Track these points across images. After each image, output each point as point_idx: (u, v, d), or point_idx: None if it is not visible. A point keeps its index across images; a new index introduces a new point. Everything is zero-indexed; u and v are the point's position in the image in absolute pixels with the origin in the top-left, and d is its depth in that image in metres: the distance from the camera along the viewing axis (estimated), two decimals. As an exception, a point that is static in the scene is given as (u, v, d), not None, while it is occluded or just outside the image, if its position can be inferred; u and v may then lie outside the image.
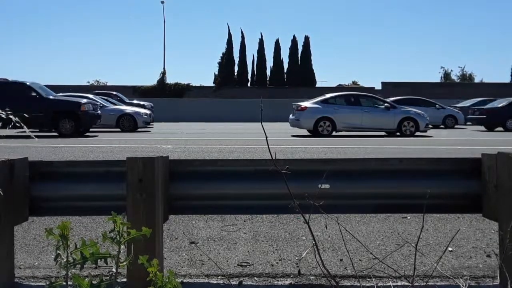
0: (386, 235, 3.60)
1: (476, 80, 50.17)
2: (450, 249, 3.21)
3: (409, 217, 4.02)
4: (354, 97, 15.97)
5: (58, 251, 1.33)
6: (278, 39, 44.01)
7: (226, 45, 44.02)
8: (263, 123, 1.90)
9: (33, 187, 2.58)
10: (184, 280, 2.67)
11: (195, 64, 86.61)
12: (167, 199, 2.55)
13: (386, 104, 15.51)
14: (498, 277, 2.31)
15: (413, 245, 2.14)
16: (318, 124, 14.84)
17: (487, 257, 3.08)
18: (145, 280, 1.47)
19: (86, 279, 1.35)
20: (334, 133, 14.96)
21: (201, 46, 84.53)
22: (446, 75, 51.93)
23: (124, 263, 1.41)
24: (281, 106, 27.91)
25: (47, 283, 1.43)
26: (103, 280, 1.37)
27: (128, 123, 17.43)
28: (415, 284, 2.49)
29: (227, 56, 43.66)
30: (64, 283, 1.35)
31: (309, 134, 15.34)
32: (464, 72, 51.78)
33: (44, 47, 79.64)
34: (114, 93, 24.27)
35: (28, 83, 14.54)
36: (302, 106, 15.18)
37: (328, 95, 15.90)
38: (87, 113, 14.27)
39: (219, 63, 44.01)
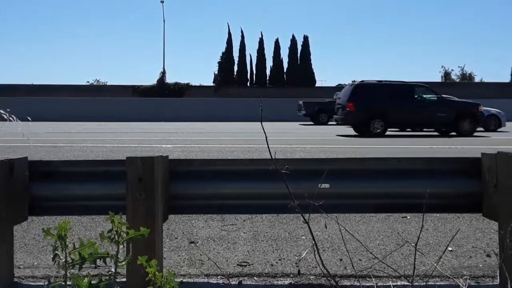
0: (386, 234, 3.60)
1: (476, 79, 50.16)
2: (450, 248, 3.20)
3: (409, 217, 4.02)
4: None
5: (56, 252, 1.33)
6: (277, 38, 44.04)
7: (226, 45, 44.01)
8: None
9: (33, 187, 2.57)
10: (184, 280, 2.66)
11: (195, 64, 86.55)
12: (166, 199, 2.55)
13: None
14: (498, 277, 2.31)
15: (413, 244, 2.13)
16: None
17: (487, 257, 3.08)
18: (144, 280, 1.47)
19: (85, 279, 1.34)
20: None
21: (201, 45, 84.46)
22: (446, 74, 51.88)
23: (123, 263, 1.41)
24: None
25: (46, 282, 1.42)
26: (102, 280, 1.37)
27: (493, 123, 17.93)
28: (415, 283, 2.49)
29: (227, 55, 43.62)
30: (63, 283, 1.35)
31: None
32: (464, 72, 51.77)
33: (44, 47, 79.77)
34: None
35: (427, 86, 15.52)
36: None
37: None
38: (482, 114, 15.09)
39: (219, 63, 43.96)
